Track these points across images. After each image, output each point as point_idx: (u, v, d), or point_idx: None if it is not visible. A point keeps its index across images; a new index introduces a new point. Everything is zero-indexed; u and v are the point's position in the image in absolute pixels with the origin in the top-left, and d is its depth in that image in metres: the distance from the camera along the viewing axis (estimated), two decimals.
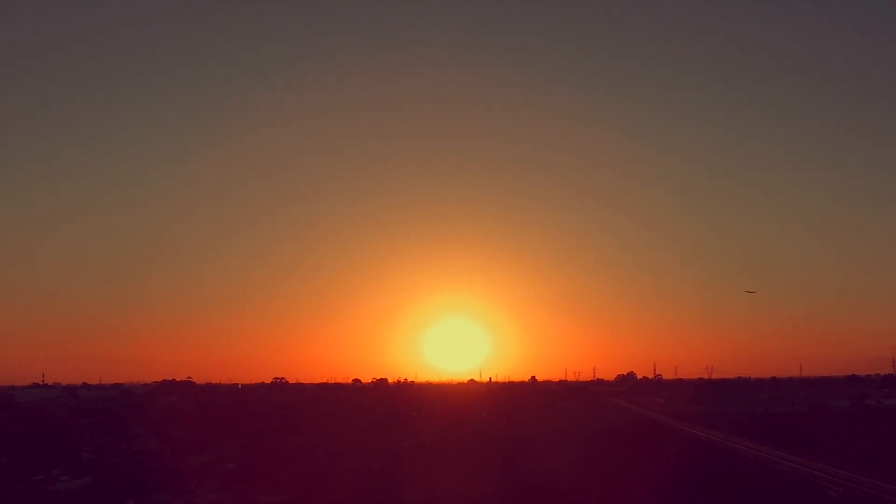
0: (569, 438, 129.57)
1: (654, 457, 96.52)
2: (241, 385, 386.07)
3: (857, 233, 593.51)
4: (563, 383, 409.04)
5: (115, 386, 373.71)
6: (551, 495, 73.25)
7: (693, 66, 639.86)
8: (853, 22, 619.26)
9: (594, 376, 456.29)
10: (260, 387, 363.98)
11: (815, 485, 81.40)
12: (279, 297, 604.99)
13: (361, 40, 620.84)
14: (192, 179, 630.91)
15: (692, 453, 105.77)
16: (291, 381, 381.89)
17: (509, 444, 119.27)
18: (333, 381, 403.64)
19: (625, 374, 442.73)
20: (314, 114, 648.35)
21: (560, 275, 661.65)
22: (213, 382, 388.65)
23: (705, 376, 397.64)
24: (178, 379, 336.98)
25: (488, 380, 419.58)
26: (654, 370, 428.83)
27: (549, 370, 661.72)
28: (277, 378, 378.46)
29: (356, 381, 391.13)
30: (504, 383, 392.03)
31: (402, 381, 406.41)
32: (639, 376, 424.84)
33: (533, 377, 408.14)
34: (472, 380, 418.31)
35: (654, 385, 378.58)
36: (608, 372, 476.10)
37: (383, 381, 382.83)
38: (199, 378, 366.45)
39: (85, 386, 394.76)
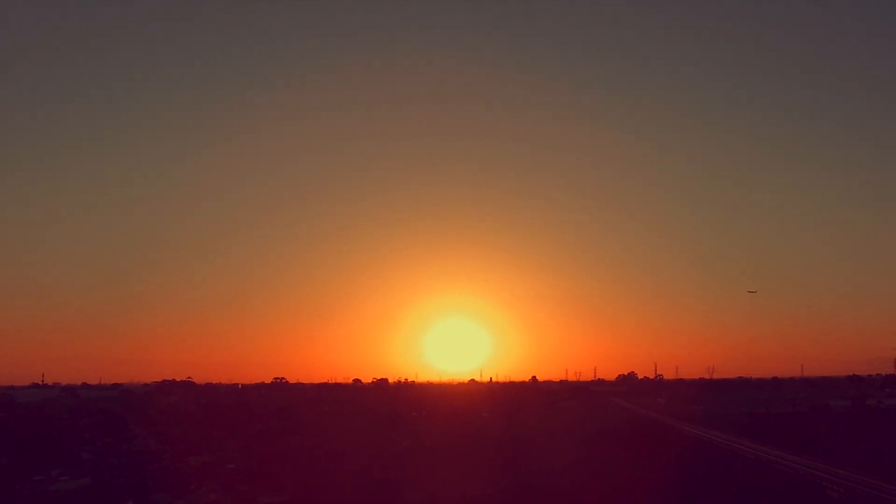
0: (569, 438, 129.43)
1: (654, 457, 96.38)
2: (242, 385, 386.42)
3: (858, 233, 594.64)
4: (563, 383, 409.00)
5: (115, 386, 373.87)
6: (552, 495, 73.10)
7: (694, 65, 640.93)
8: (854, 21, 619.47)
9: (595, 376, 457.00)
10: (260, 387, 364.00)
11: (815, 485, 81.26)
12: (279, 297, 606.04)
13: (361, 40, 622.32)
14: (192, 179, 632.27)
15: (693, 453, 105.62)
16: (292, 381, 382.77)
17: (510, 444, 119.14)
18: (334, 382, 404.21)
19: (626, 374, 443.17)
20: (314, 114, 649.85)
21: (561, 274, 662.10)
22: (214, 382, 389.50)
23: (706, 376, 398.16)
24: (178, 379, 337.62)
25: (489, 380, 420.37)
26: (655, 370, 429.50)
27: (550, 370, 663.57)
28: (278, 378, 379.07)
29: (356, 381, 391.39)
30: (505, 383, 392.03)
31: (403, 381, 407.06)
32: (640, 376, 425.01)
33: (534, 377, 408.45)
34: (472, 380, 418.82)
35: (655, 385, 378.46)
36: (609, 372, 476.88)
37: (384, 381, 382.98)
38: (200, 378, 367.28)
39: (85, 386, 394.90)
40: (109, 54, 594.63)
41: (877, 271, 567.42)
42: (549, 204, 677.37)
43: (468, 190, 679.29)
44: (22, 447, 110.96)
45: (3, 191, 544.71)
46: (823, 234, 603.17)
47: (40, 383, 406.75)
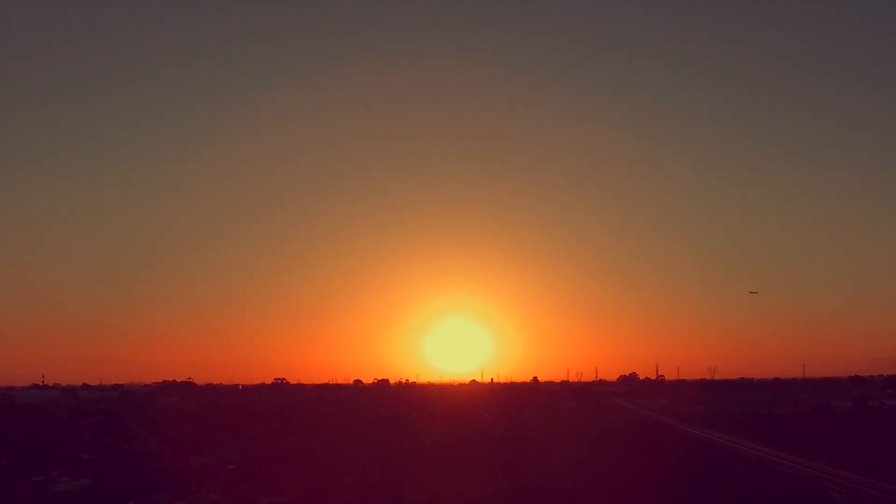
0: (571, 440, 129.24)
1: (656, 458, 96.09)
2: (242, 386, 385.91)
3: (859, 233, 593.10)
4: (565, 384, 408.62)
5: (116, 387, 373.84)
6: (554, 496, 72.87)
7: (694, 65, 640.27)
8: (855, 21, 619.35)
9: (596, 377, 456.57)
10: (261, 388, 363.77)
11: (817, 486, 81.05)
12: (280, 298, 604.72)
13: (361, 40, 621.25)
14: (192, 179, 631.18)
15: (695, 454, 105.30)
16: (292, 381, 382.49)
17: (511, 445, 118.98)
18: (334, 382, 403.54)
19: (627, 374, 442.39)
20: (314, 114, 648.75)
21: (562, 275, 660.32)
22: (214, 383, 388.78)
23: (708, 377, 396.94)
24: (178, 380, 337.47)
25: (490, 381, 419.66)
26: (657, 371, 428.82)
27: (551, 371, 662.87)
28: (278, 379, 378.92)
29: (357, 381, 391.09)
30: (506, 384, 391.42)
31: (404, 381, 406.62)
32: (641, 377, 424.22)
33: (535, 378, 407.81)
34: (473, 380, 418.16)
35: (657, 386, 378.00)
36: (610, 373, 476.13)
37: (384, 381, 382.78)
38: (200, 379, 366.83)
39: (85, 387, 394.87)
40: (109, 54, 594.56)
41: (878, 272, 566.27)
42: (549, 204, 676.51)
43: (468, 190, 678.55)
44: (22, 448, 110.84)
45: (3, 191, 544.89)
46: (825, 234, 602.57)
47: (40, 384, 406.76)
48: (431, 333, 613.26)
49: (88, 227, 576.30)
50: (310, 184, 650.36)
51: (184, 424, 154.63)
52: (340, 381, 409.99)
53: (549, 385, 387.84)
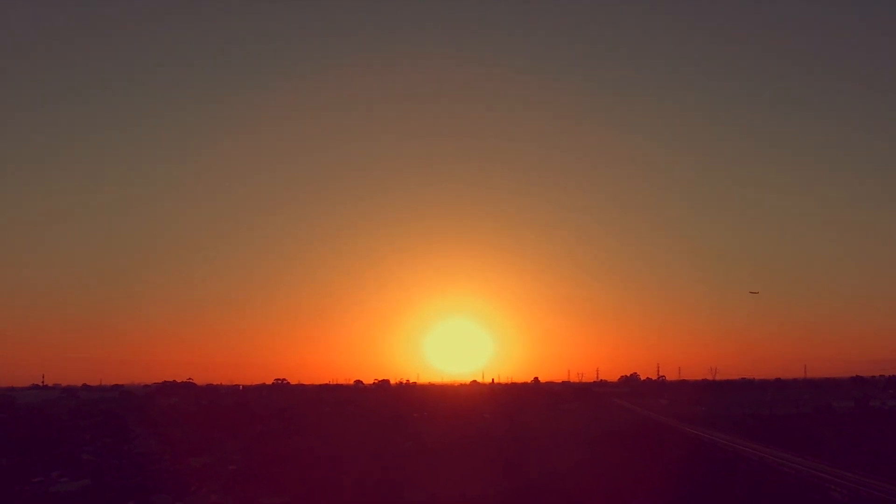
0: (573, 440, 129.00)
1: (658, 459, 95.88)
2: (243, 386, 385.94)
3: (861, 233, 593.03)
4: (566, 384, 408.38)
5: (116, 387, 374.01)
6: (554, 497, 72.69)
7: (694, 65, 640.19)
8: (855, 21, 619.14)
9: (597, 377, 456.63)
10: (261, 388, 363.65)
11: (819, 486, 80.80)
12: (280, 298, 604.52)
13: (361, 40, 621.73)
14: (191, 179, 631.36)
15: (696, 455, 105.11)
16: (293, 382, 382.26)
17: (512, 445, 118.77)
18: (335, 383, 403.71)
19: (628, 375, 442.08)
20: (314, 114, 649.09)
21: (563, 275, 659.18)
22: (214, 384, 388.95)
23: (709, 377, 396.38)
24: (178, 380, 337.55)
25: (491, 381, 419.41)
26: (658, 371, 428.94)
27: (552, 371, 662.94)
28: (279, 379, 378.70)
29: (358, 382, 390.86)
30: (507, 384, 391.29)
31: (404, 382, 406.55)
32: (642, 377, 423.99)
33: (536, 378, 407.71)
34: (474, 381, 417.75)
35: (658, 386, 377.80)
36: (611, 373, 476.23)
37: (385, 382, 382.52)
38: (200, 379, 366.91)
39: (85, 387, 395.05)
40: (109, 54, 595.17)
41: (880, 272, 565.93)
42: (549, 204, 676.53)
43: (468, 190, 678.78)
44: (22, 448, 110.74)
45: (3, 191, 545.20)
46: (826, 234, 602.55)
47: (41, 384, 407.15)
48: (432, 334, 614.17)
49: (88, 227, 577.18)
50: (310, 184, 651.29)
51: (184, 425, 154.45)
52: (341, 381, 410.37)
53: (550, 385, 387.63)
